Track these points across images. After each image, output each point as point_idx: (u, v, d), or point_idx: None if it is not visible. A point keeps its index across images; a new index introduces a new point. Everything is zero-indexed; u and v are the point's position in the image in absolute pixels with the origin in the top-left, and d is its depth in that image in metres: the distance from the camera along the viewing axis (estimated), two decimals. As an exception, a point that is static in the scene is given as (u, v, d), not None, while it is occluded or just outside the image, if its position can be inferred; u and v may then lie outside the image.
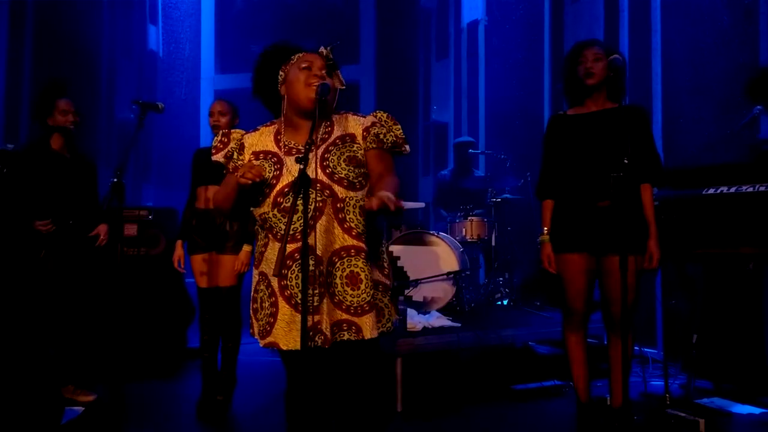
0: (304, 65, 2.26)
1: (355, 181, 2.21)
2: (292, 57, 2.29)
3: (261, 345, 2.23)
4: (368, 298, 2.17)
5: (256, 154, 2.29)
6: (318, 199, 2.15)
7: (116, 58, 7.04)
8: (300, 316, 2.05)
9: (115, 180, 2.95)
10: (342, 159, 2.22)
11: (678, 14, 4.69)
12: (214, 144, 2.37)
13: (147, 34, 7.75)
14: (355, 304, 2.17)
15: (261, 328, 2.23)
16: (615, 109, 3.09)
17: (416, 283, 4.96)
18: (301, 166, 2.02)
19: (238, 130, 2.37)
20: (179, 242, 3.88)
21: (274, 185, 2.20)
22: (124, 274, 4.72)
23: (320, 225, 2.15)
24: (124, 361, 3.92)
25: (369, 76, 7.86)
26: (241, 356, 3.92)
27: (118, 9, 7.05)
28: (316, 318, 2.13)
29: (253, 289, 2.30)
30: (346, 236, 2.18)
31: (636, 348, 3.27)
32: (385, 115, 2.35)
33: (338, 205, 2.18)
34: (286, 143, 2.28)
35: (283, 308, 2.17)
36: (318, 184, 2.16)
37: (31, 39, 5.79)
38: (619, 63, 2.94)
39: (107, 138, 6.80)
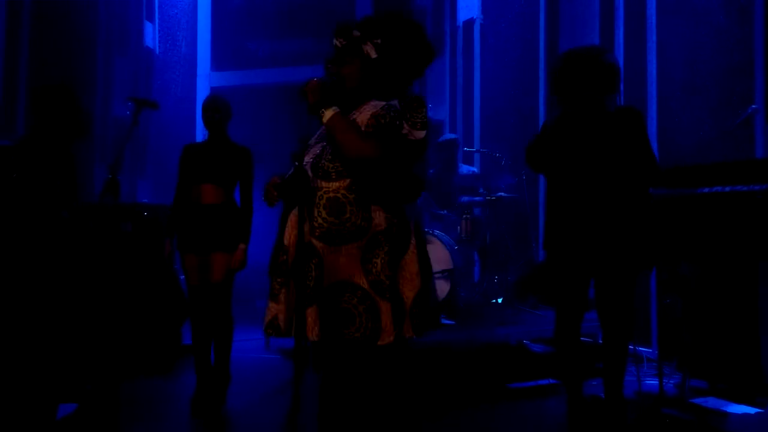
0: None
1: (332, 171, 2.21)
2: None
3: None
4: None
5: None
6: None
7: (112, 55, 7.02)
8: None
9: (110, 176, 2.94)
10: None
11: (673, 14, 4.70)
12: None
13: (143, 30, 7.73)
14: None
15: None
16: (609, 111, 3.09)
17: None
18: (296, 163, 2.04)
19: None
20: (167, 240, 3.87)
21: None
22: (118, 270, 4.71)
23: None
24: (119, 358, 3.91)
25: (365, 74, 7.82)
26: (234, 353, 3.92)
27: (114, 5, 7.03)
28: None
29: None
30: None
31: (630, 347, 3.26)
32: (414, 98, 2.30)
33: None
34: None
35: None
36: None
37: (27, 35, 5.77)
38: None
39: (102, 135, 6.78)
